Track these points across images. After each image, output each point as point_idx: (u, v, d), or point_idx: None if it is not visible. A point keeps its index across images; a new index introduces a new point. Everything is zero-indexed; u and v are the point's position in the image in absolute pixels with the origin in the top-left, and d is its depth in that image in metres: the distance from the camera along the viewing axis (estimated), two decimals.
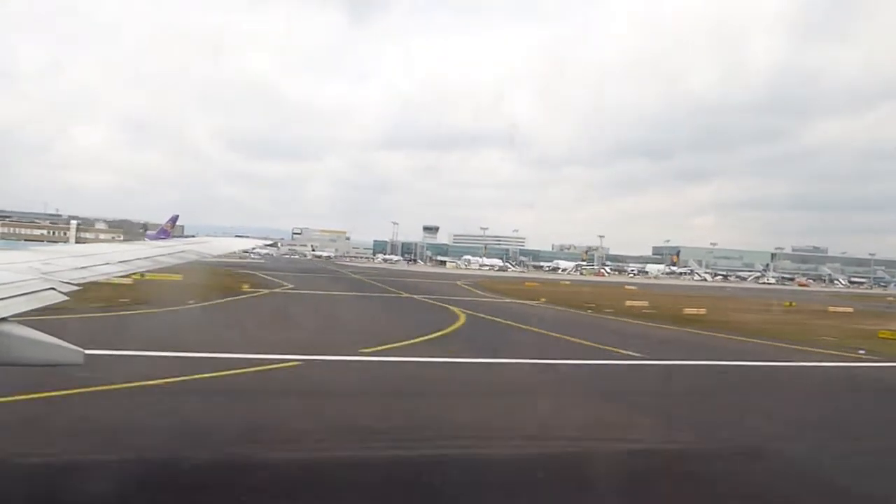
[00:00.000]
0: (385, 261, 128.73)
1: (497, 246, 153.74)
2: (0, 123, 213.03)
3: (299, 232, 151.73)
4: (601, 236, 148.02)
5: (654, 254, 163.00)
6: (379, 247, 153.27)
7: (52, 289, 3.67)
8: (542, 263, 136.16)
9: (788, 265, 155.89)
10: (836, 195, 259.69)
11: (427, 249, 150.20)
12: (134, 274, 5.31)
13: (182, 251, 7.29)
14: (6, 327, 2.79)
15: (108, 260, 5.36)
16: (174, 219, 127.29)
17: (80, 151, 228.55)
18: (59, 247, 6.74)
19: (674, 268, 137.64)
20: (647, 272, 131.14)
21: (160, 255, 6.53)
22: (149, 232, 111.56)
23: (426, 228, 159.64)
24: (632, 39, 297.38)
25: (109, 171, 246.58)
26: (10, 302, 3.14)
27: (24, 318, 3.00)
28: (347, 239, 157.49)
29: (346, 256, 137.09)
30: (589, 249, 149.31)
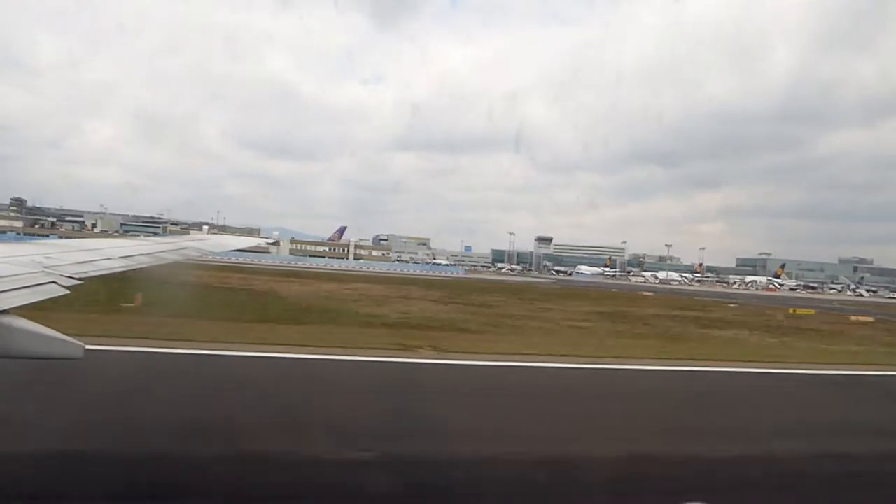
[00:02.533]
0: (511, 271, 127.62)
1: (599, 255, 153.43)
2: (12, 117, 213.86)
3: (385, 238, 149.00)
4: (702, 248, 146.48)
5: (738, 265, 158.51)
6: (497, 256, 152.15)
7: (54, 282, 3.68)
8: (648, 273, 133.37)
9: (868, 278, 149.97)
10: (848, 204, 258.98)
11: (544, 260, 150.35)
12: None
13: (183, 247, 7.32)
14: (7, 320, 2.81)
15: (110, 255, 5.38)
16: (342, 230, 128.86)
17: (92, 147, 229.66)
18: (61, 241, 6.75)
19: (777, 280, 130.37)
20: (753, 283, 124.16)
21: (161, 251, 6.55)
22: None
23: (539, 239, 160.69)
24: (649, 46, 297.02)
25: (117, 166, 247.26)
26: (11, 294, 3.16)
27: (26, 311, 3.02)
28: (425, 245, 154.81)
29: (459, 265, 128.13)
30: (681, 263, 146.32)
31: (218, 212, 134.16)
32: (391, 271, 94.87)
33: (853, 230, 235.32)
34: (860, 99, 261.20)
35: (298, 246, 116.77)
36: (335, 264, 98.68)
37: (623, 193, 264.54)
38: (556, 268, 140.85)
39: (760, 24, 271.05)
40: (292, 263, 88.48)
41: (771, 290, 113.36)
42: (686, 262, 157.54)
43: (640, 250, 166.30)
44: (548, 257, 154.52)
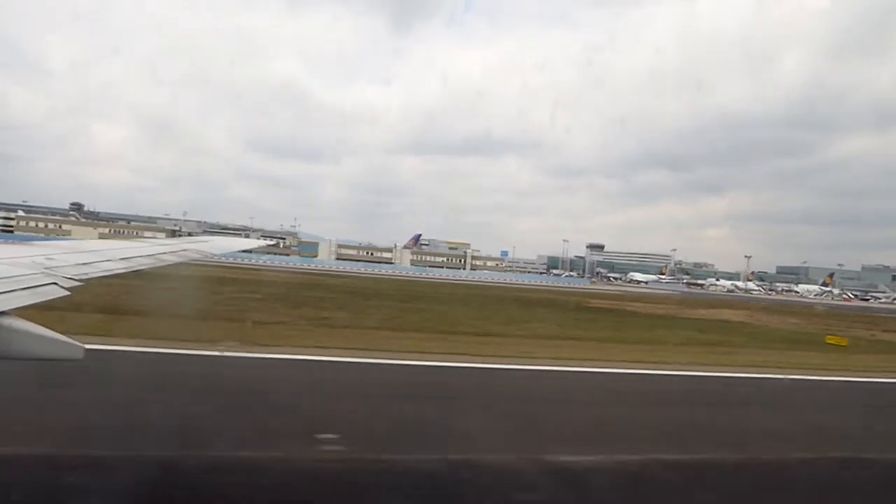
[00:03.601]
0: (567, 275, 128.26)
1: (648, 263, 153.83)
2: (22, 118, 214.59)
3: (427, 243, 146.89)
4: (748, 256, 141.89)
5: (778, 272, 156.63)
6: (552, 263, 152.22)
7: (55, 283, 3.68)
8: (700, 281, 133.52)
9: None
10: (854, 210, 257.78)
11: (597, 266, 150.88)
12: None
13: (184, 249, 7.31)
14: (7, 321, 2.80)
15: (111, 257, 5.38)
16: (417, 237, 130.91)
17: (99, 148, 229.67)
18: (62, 242, 6.77)
19: (827, 288, 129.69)
20: (797, 292, 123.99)
21: (162, 253, 6.54)
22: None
23: (592, 246, 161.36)
24: (660, 52, 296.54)
25: (124, 167, 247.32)
26: (11, 296, 3.15)
27: (26, 313, 3.01)
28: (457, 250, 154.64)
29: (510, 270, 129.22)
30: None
31: (251, 218, 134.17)
32: (549, 284, 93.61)
33: (862, 235, 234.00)
34: (872, 104, 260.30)
35: (420, 256, 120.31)
36: (449, 274, 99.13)
37: (629, 197, 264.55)
38: (610, 274, 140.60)
39: (773, 28, 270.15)
40: (412, 274, 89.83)
41: (846, 300, 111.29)
42: (722, 269, 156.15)
43: (676, 257, 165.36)
44: (600, 264, 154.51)
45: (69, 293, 3.66)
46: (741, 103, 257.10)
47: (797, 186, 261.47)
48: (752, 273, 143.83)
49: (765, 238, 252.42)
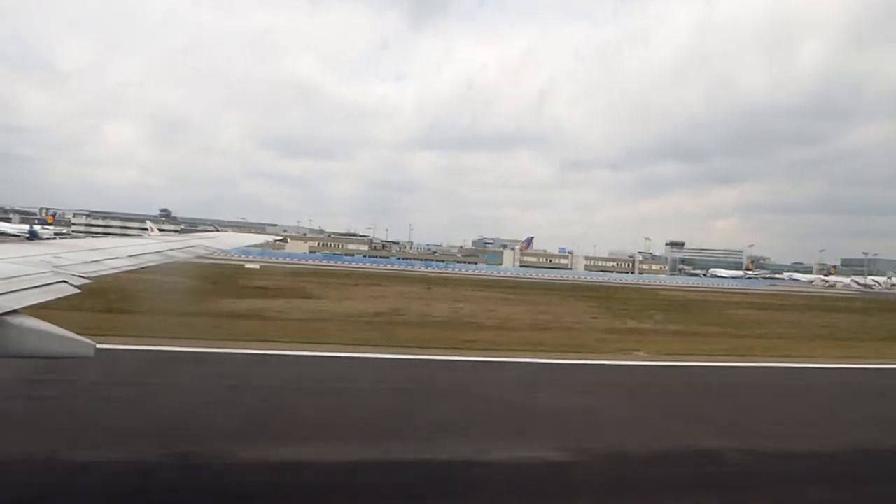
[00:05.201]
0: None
1: (726, 259, 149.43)
2: (33, 120, 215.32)
3: (491, 241, 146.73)
4: (822, 250, 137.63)
5: (843, 264, 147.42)
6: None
7: (64, 282, 3.70)
8: (778, 275, 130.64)
9: None
10: (868, 200, 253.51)
11: (679, 263, 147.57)
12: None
13: (192, 246, 7.35)
14: (19, 320, 2.82)
15: (119, 254, 5.41)
16: (529, 240, 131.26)
17: (111, 148, 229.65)
18: (71, 241, 6.83)
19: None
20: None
21: (170, 250, 6.57)
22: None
23: (672, 243, 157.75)
24: (674, 42, 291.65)
25: (134, 167, 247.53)
26: (23, 294, 3.18)
27: (37, 311, 3.03)
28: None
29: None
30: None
31: (309, 219, 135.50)
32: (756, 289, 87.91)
33: (875, 225, 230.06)
34: (890, 92, 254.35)
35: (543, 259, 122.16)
36: (613, 278, 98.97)
37: (639, 190, 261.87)
38: (693, 271, 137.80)
39: (791, 16, 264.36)
40: (582, 278, 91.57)
41: None
42: (777, 262, 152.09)
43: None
44: (681, 261, 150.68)
45: (79, 291, 3.69)
46: (758, 93, 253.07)
47: (811, 176, 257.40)
48: (834, 268, 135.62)
49: (776, 228, 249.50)
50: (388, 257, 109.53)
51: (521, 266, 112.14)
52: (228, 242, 10.88)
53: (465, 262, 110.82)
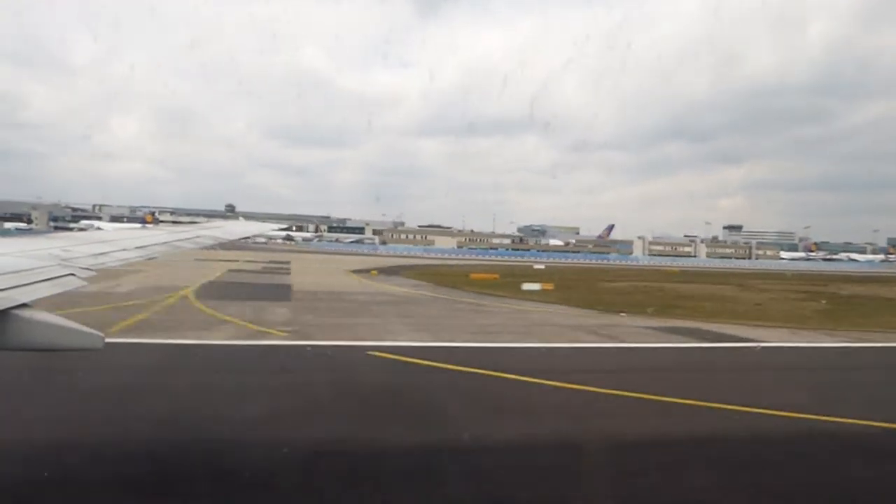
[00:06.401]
0: None
1: (781, 241, 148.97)
2: (41, 115, 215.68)
3: (539, 228, 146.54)
4: None
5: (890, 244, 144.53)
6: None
7: (72, 274, 3.72)
8: (835, 256, 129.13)
9: None
10: (871, 175, 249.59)
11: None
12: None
13: (198, 236, 7.35)
14: (29, 313, 2.83)
15: (126, 246, 5.42)
16: (610, 228, 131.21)
17: (119, 141, 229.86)
18: (78, 234, 6.87)
19: None
20: None
21: (177, 241, 6.58)
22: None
23: (730, 227, 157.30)
24: (682, 21, 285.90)
25: (140, 159, 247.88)
26: (32, 287, 3.19)
27: (46, 304, 3.05)
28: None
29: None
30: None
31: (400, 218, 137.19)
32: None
33: (877, 200, 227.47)
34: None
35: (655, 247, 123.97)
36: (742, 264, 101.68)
37: (646, 170, 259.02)
38: (831, 257, 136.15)
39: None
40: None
41: None
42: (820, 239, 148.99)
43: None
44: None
45: (86, 283, 3.70)
46: (765, 72, 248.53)
47: (817, 154, 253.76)
48: (876, 245, 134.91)
49: (780, 207, 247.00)
50: (528, 250, 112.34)
51: (650, 255, 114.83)
52: (235, 232, 10.88)
53: (597, 253, 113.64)
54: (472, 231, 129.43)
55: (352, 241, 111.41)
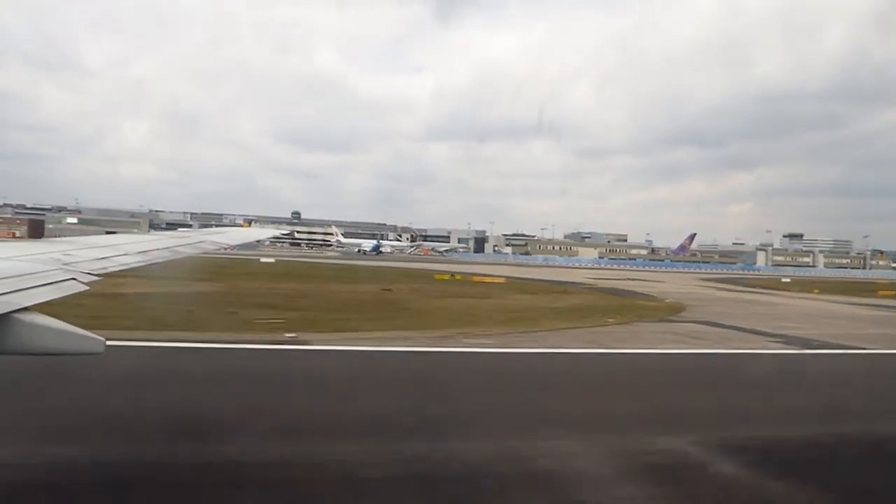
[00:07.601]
0: None
1: (837, 249, 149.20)
2: (53, 118, 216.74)
3: (588, 235, 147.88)
4: None
5: None
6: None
7: (73, 279, 3.70)
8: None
9: None
10: (881, 182, 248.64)
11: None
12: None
13: (200, 241, 7.33)
14: (30, 317, 2.82)
15: (127, 251, 5.40)
16: (692, 236, 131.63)
17: (131, 145, 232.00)
18: (79, 238, 6.86)
19: None
20: None
21: (179, 246, 6.56)
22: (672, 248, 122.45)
23: (790, 235, 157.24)
24: (693, 27, 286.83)
25: (150, 162, 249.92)
26: (33, 292, 3.17)
27: (47, 308, 3.03)
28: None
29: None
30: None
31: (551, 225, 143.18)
32: None
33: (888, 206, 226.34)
34: None
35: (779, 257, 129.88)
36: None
37: (656, 176, 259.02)
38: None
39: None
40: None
41: None
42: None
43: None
44: (798, 253, 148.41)
45: (88, 288, 3.69)
46: (778, 77, 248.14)
47: (830, 160, 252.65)
48: None
49: (791, 213, 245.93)
50: (662, 260, 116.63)
51: (773, 265, 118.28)
52: (237, 237, 10.87)
53: (722, 263, 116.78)
54: (609, 242, 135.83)
55: (446, 250, 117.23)
